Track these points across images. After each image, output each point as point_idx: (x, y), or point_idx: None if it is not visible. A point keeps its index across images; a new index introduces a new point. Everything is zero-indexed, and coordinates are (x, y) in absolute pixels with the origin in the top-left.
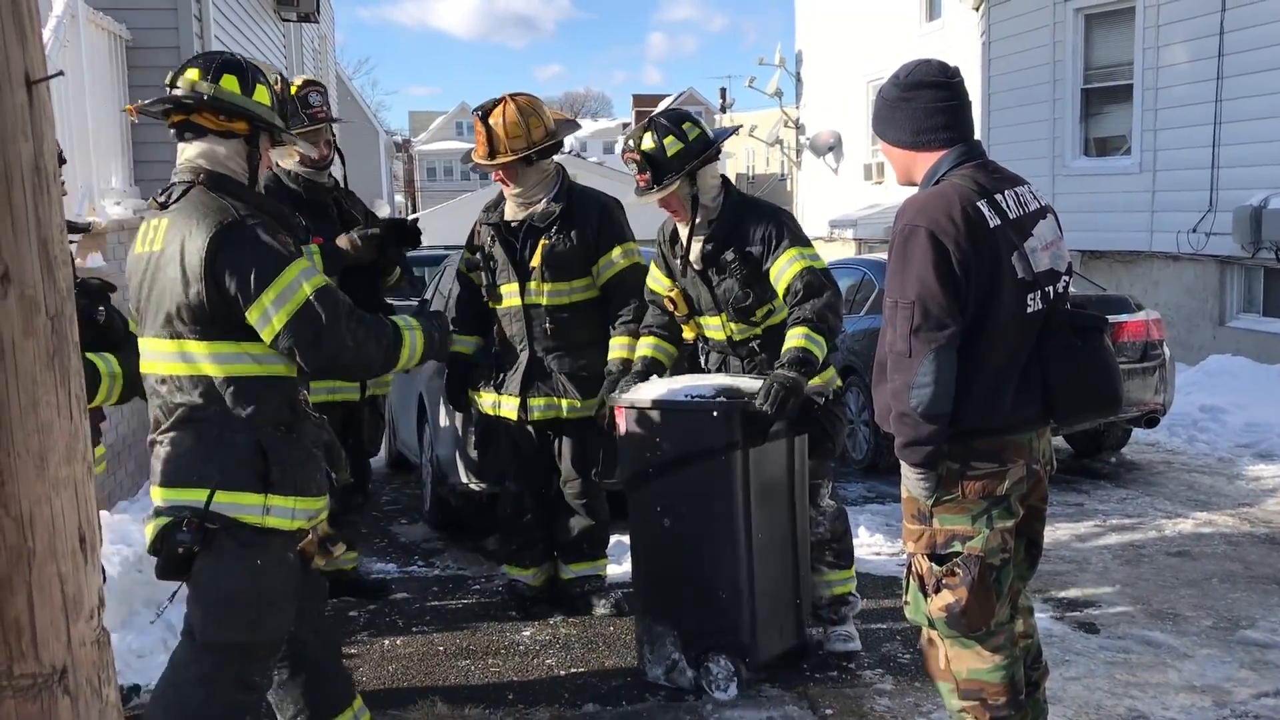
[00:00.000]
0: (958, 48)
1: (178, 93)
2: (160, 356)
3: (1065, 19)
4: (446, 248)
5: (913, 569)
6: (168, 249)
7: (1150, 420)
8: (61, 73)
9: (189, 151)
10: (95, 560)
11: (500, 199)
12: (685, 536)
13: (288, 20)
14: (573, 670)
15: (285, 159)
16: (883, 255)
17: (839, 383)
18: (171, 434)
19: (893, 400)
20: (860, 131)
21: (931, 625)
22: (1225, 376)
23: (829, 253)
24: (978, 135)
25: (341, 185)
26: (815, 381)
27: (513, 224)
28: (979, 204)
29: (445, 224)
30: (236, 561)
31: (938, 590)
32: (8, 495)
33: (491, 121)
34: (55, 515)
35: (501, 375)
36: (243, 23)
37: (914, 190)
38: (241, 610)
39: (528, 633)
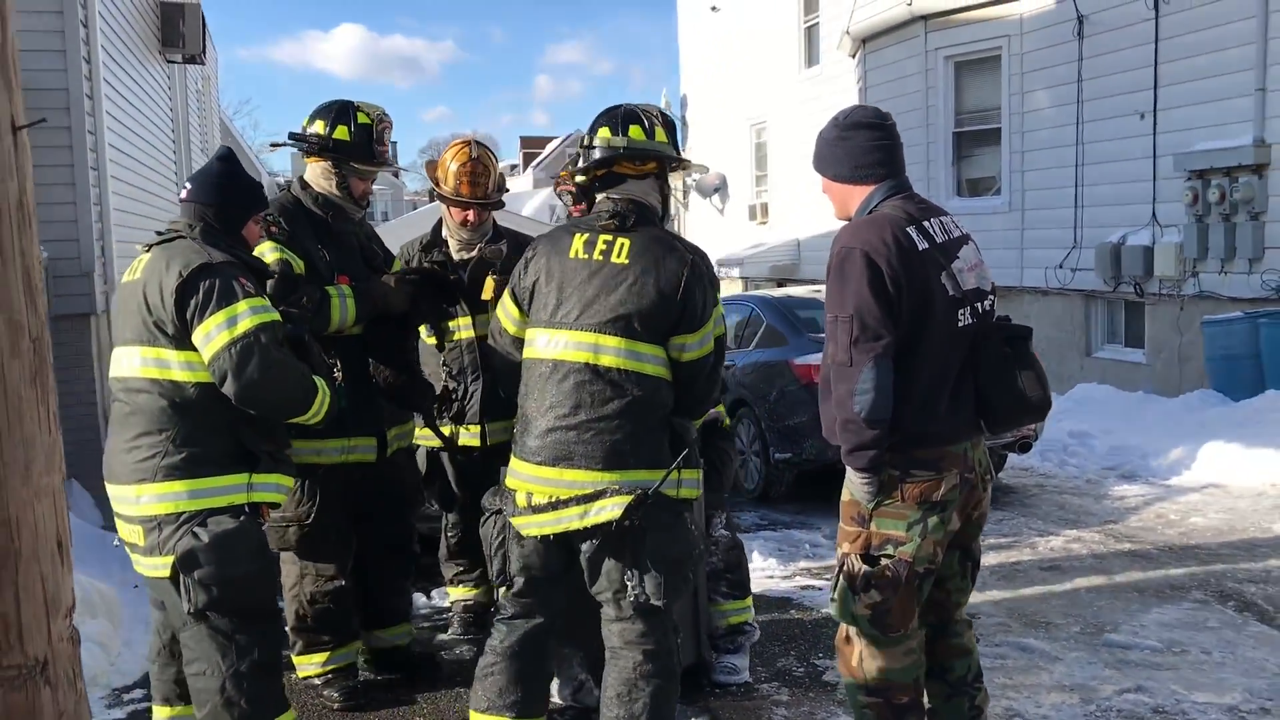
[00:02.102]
0: (836, 94)
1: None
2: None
3: (936, 66)
4: None
5: (844, 568)
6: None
7: (1024, 446)
8: (44, 119)
9: None
10: (69, 562)
11: (437, 239)
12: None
13: (173, 62)
14: None
15: (322, 180)
16: (768, 291)
17: (726, 420)
18: (615, 420)
19: (837, 409)
20: (745, 173)
21: (854, 622)
22: (1091, 404)
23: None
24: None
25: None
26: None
27: (461, 261)
28: (908, 229)
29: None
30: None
31: (866, 589)
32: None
33: (485, 161)
34: (38, 520)
35: (454, 407)
36: (129, 64)
37: (841, 224)
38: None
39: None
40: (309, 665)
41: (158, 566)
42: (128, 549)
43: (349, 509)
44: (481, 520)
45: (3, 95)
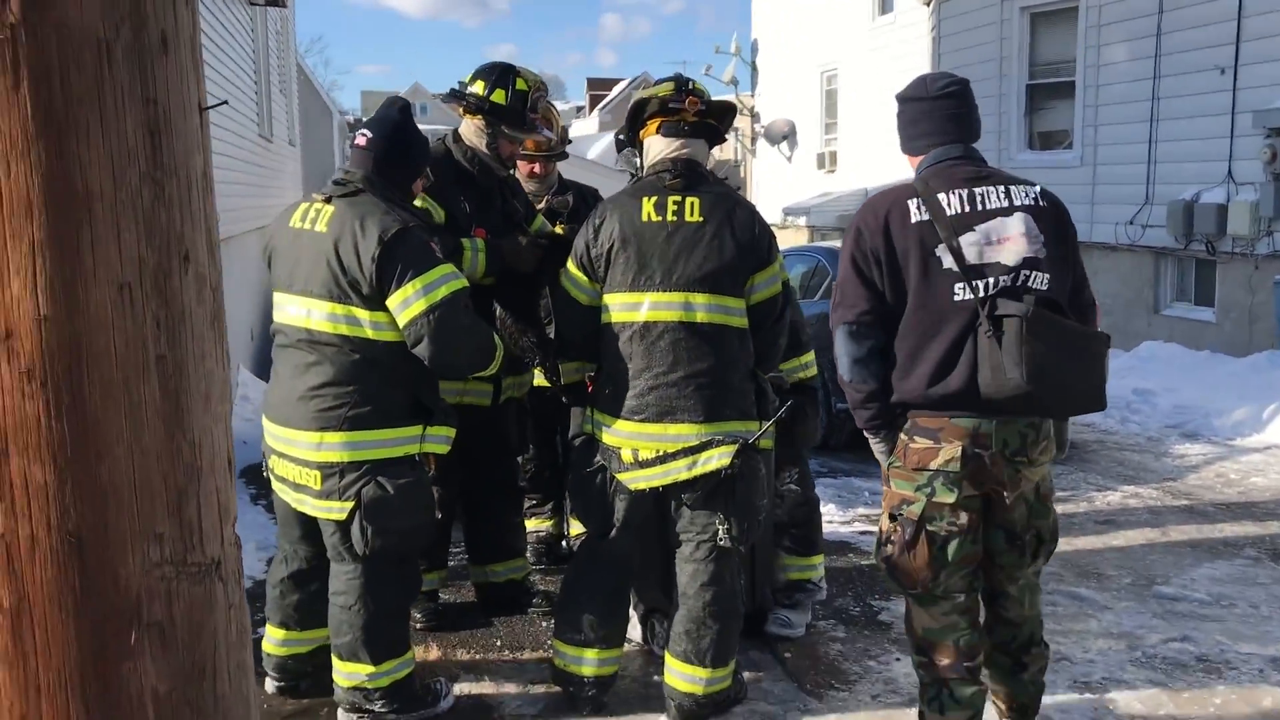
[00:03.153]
0: (909, 42)
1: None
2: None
3: (1012, 16)
4: None
5: (879, 524)
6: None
7: None
8: (226, 101)
9: None
10: (234, 478)
11: None
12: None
13: (255, 4)
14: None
15: (474, 137)
16: (835, 243)
17: (812, 371)
18: (711, 374)
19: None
20: (813, 121)
21: (886, 580)
22: (1157, 362)
23: (783, 239)
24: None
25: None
26: (784, 368)
27: None
28: (908, 202)
29: None
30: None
31: (884, 544)
32: (186, 424)
33: (548, 114)
34: (214, 441)
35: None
36: (216, 8)
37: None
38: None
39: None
40: None
41: (333, 510)
42: (287, 488)
43: (458, 449)
44: (575, 475)
45: (191, 79)
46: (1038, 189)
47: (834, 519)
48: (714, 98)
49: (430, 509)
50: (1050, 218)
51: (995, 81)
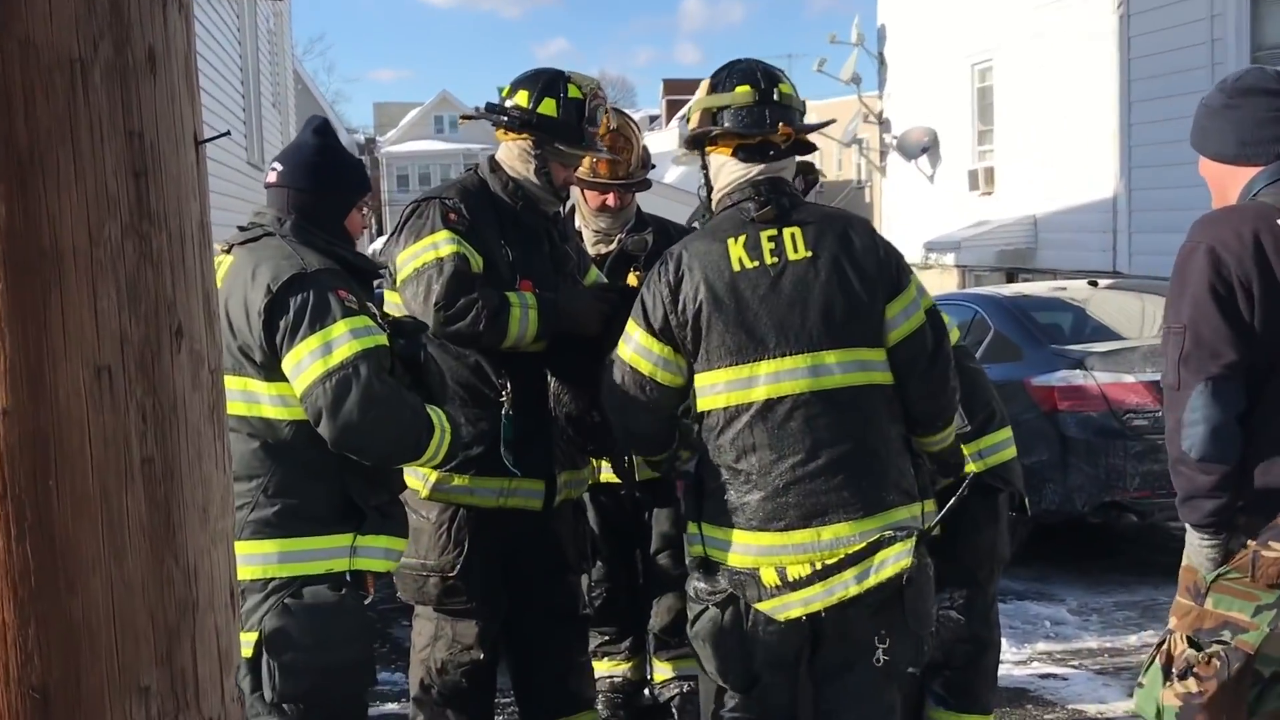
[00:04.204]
0: (1087, 24)
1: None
2: None
3: None
4: None
5: (1164, 648)
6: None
7: None
8: (229, 132)
9: None
10: (238, 615)
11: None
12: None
13: None
14: None
15: (518, 163)
16: (997, 288)
17: (1007, 453)
18: (862, 452)
19: (1168, 445)
20: (963, 129)
21: (1157, 716)
22: None
23: (926, 282)
24: (1113, 129)
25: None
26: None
27: (598, 256)
28: (1278, 221)
29: None
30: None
31: (1184, 677)
32: (178, 546)
33: (626, 133)
34: (214, 566)
35: None
36: (198, 3)
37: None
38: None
39: None
40: None
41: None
42: None
43: (503, 565)
44: (695, 616)
45: (186, 105)
46: None
47: (1006, 657)
48: (822, 102)
49: (362, 641)
50: None
51: (1205, 72)
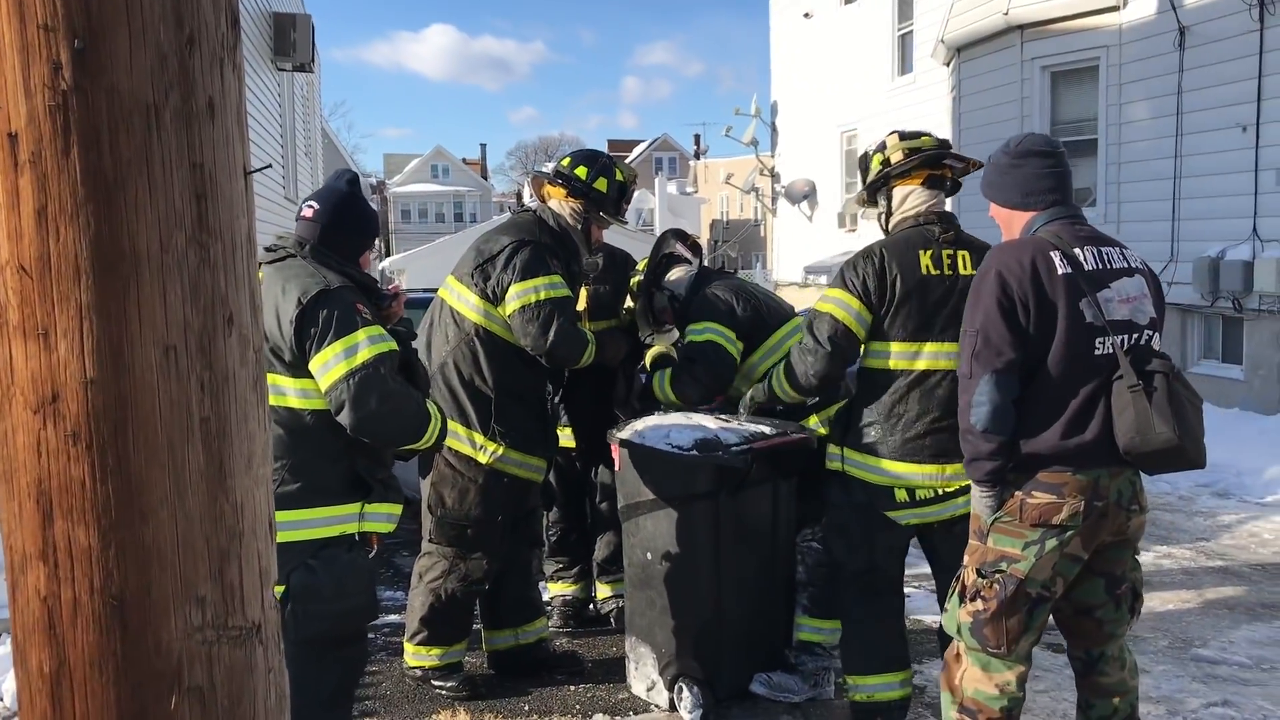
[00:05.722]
0: (929, 102)
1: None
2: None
3: (1032, 76)
4: (425, 290)
5: (960, 579)
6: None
7: None
8: (270, 165)
9: None
10: (275, 540)
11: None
12: (664, 570)
13: (283, 70)
14: (583, 684)
15: (569, 218)
16: None
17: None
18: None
19: (960, 419)
20: (834, 180)
21: (958, 633)
22: None
23: (804, 299)
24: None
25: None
26: (813, 424)
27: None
28: (1050, 253)
29: (422, 268)
30: None
31: (973, 599)
32: (228, 487)
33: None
34: (256, 504)
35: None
36: (246, 71)
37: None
38: None
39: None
40: (426, 656)
41: None
42: None
43: (513, 518)
44: (833, 514)
45: (237, 144)
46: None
47: None
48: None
49: (369, 589)
50: (1154, 283)
51: None
